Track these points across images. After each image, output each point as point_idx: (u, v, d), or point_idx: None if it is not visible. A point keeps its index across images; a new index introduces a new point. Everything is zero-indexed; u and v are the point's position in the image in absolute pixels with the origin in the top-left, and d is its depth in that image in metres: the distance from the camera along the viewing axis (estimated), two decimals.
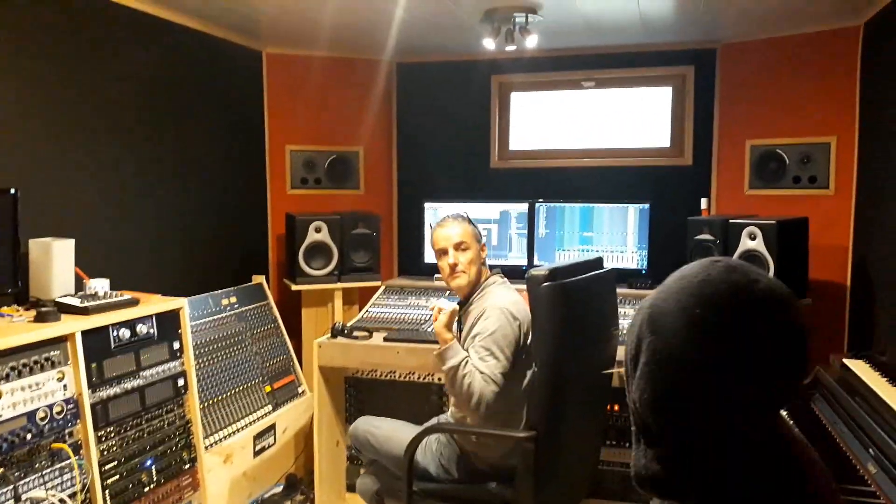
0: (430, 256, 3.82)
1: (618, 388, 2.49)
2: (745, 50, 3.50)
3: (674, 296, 0.88)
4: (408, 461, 2.30)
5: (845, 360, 2.35)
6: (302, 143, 3.91)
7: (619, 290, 2.57)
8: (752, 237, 2.93)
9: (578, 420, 2.25)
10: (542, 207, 3.64)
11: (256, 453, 3.04)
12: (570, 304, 2.11)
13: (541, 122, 3.98)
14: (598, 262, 2.40)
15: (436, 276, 3.70)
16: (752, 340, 0.82)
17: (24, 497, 1.93)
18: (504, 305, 2.28)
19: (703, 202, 3.55)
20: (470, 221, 2.52)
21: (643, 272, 3.49)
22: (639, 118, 3.83)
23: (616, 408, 2.76)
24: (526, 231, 3.67)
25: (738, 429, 0.84)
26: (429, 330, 3.12)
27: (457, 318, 2.42)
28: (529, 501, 2.14)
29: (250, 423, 3.04)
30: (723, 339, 0.82)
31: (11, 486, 1.90)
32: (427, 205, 3.80)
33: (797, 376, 0.85)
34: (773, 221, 2.89)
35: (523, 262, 3.63)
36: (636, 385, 0.89)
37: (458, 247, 2.45)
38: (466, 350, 2.30)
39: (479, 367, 2.23)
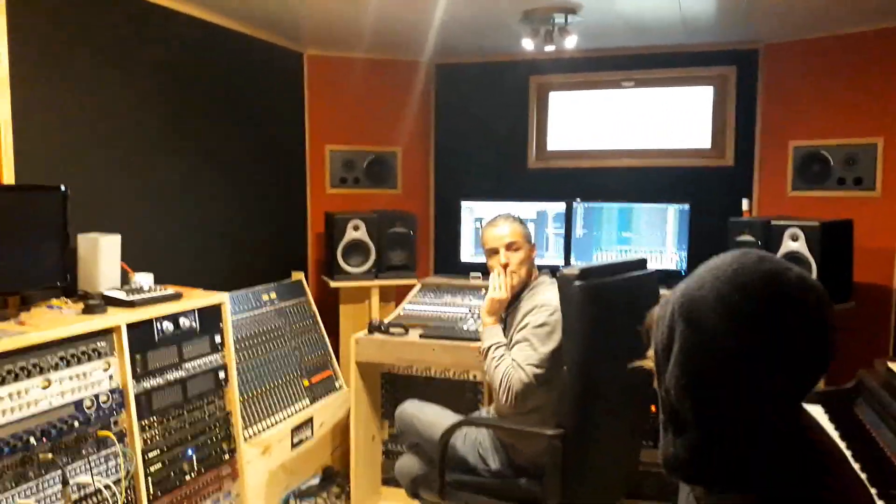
0: (466, 255, 3.82)
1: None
2: (788, 50, 3.42)
3: (708, 284, 0.90)
4: (442, 448, 2.32)
5: (890, 364, 2.28)
6: (341, 143, 3.94)
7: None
8: (795, 239, 2.86)
9: (611, 421, 2.23)
10: (579, 207, 3.61)
11: (294, 446, 3.07)
12: (602, 304, 2.09)
13: (579, 122, 3.94)
14: (640, 263, 2.37)
15: (472, 274, 3.70)
16: (784, 329, 0.85)
17: (71, 482, 1.99)
18: (557, 304, 2.28)
19: (745, 203, 3.48)
20: (521, 222, 2.52)
21: (682, 273, 3.42)
22: (679, 118, 3.77)
23: (654, 409, 2.73)
24: (563, 231, 3.64)
25: (767, 418, 0.86)
26: (465, 328, 3.12)
27: (504, 316, 2.42)
28: (556, 499, 2.13)
29: (288, 416, 3.08)
30: (758, 327, 0.84)
31: (59, 471, 1.96)
32: (464, 204, 3.79)
33: (823, 367, 0.87)
34: (817, 223, 2.83)
35: (560, 262, 3.60)
36: (670, 373, 0.91)
37: (509, 247, 2.45)
38: (512, 347, 2.30)
39: (514, 355, 2.25)
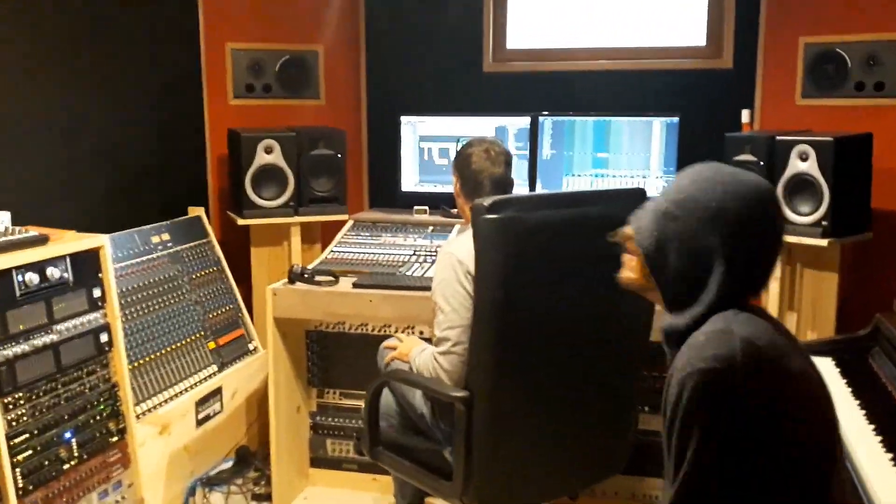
0: (408, 183, 3.81)
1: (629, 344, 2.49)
2: None
3: (695, 192, 1.45)
4: (369, 404, 2.52)
5: None
6: (246, 40, 3.84)
7: None
8: (804, 158, 2.92)
9: (542, 385, 2.28)
10: (546, 122, 3.61)
11: (199, 423, 3.07)
12: (523, 244, 2.15)
13: (546, 14, 3.91)
14: (621, 195, 2.39)
15: (416, 207, 3.69)
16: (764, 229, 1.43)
17: None
18: (450, 249, 2.40)
19: (745, 115, 3.53)
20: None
21: None
22: (668, 10, 3.77)
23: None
24: (527, 152, 3.64)
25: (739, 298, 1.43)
26: (408, 274, 3.13)
27: None
28: (458, 486, 2.25)
29: (191, 387, 3.06)
30: (744, 227, 1.40)
31: None
32: (405, 119, 3.75)
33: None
34: (830, 138, 2.88)
35: (523, 190, 3.62)
36: (674, 260, 1.43)
37: None
38: None
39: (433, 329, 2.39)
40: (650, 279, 1.47)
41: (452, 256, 2.35)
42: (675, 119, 3.47)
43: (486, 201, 2.12)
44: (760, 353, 1.33)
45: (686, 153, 3.46)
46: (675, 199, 1.44)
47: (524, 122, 3.65)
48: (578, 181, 3.61)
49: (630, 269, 1.52)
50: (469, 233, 2.20)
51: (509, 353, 2.20)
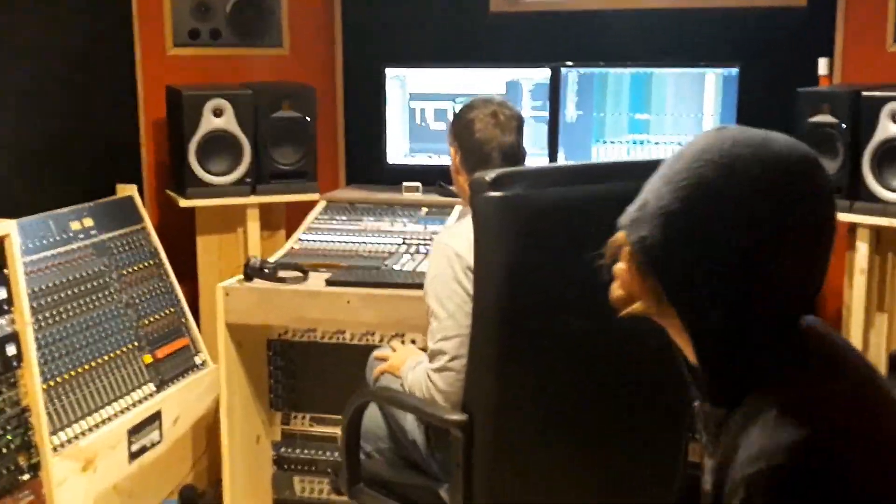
0: (395, 154, 3.80)
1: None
2: None
3: (709, 175, 1.28)
4: (347, 430, 2.52)
5: None
6: None
7: None
8: None
9: (565, 414, 2.27)
10: (570, 75, 3.60)
11: (133, 456, 3.06)
12: (536, 230, 2.15)
13: None
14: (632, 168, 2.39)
15: (406, 184, 3.69)
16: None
17: None
18: (445, 238, 2.41)
19: (822, 65, 3.53)
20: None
21: None
22: None
23: None
24: (546, 114, 3.63)
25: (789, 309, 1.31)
26: (396, 268, 3.13)
27: None
28: None
29: (122, 412, 3.06)
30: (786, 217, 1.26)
31: None
32: (391, 72, 3.74)
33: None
34: None
35: (541, 160, 3.61)
36: (699, 278, 1.28)
37: None
38: None
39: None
40: (661, 301, 1.33)
41: (448, 248, 2.35)
42: (735, 70, 3.46)
43: (489, 175, 2.11)
44: (851, 428, 1.21)
45: (748, 113, 3.45)
46: (679, 189, 1.28)
47: (542, 75, 3.63)
48: (611, 150, 3.60)
49: (623, 285, 1.41)
50: (470, 217, 2.20)
51: (517, 368, 2.19)
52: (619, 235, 1.40)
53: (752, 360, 1.28)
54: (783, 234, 1.24)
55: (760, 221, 1.23)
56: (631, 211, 1.37)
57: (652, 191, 1.33)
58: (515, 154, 2.54)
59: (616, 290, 1.43)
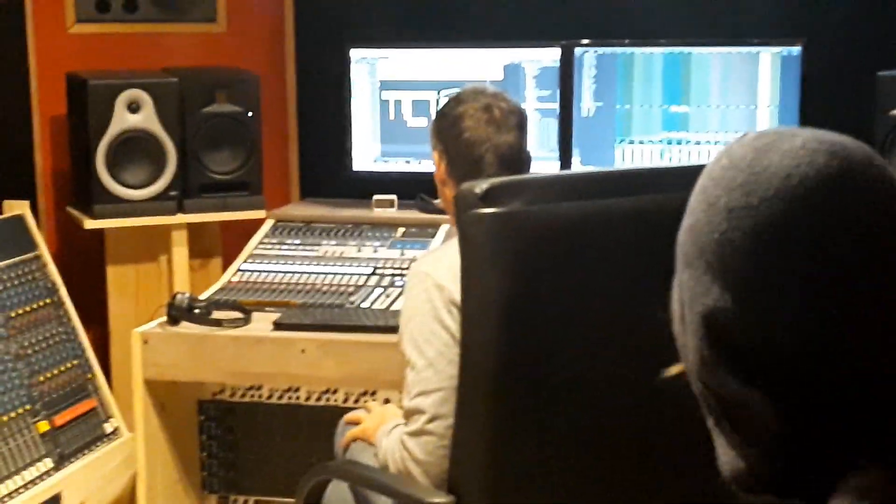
0: (363, 159, 3.80)
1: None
2: None
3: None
4: None
5: None
6: None
7: None
8: None
9: (580, 496, 2.25)
10: (587, 56, 3.61)
11: None
12: (539, 255, 2.13)
13: None
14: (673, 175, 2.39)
15: (376, 197, 3.69)
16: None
17: None
18: (424, 266, 2.40)
19: None
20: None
21: None
22: None
23: None
24: (556, 106, 3.64)
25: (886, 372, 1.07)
26: (365, 306, 3.12)
27: None
28: None
29: (10, 496, 3.03)
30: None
31: None
32: (357, 54, 3.75)
33: None
34: None
35: (550, 165, 3.62)
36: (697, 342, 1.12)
37: None
38: None
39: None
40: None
41: (428, 278, 2.34)
42: (796, 49, 3.47)
43: (479, 186, 2.10)
44: None
45: (814, 102, 3.47)
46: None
47: (551, 56, 3.64)
48: (640, 152, 3.61)
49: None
50: (457, 240, 2.21)
51: (518, 435, 2.17)
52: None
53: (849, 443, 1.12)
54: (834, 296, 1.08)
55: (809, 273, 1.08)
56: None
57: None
58: (516, 158, 2.54)
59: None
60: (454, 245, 2.22)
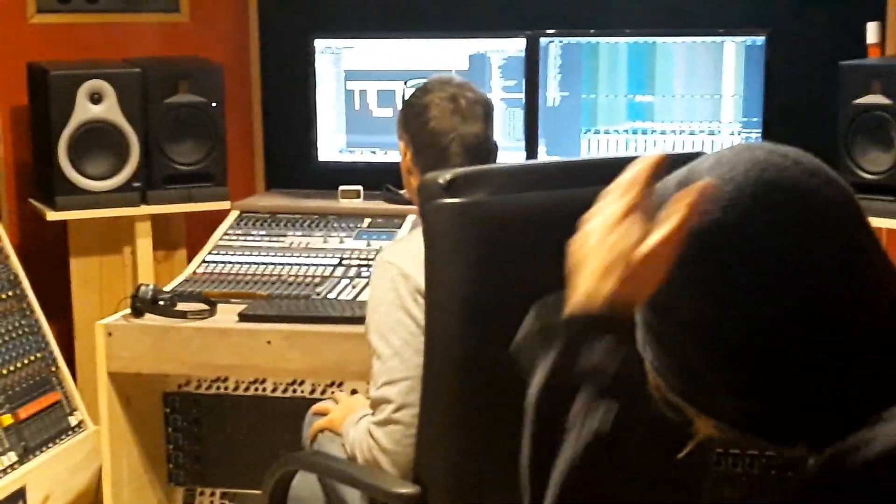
0: (328, 149, 3.79)
1: None
2: None
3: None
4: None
5: None
6: None
7: None
8: None
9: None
10: (552, 46, 3.61)
11: None
12: (503, 246, 2.14)
13: None
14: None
15: (342, 188, 3.69)
16: None
17: None
18: (389, 256, 2.42)
19: (871, 31, 3.55)
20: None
21: None
22: None
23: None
24: (521, 96, 3.65)
25: None
26: (331, 297, 3.12)
27: None
28: None
29: None
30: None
31: None
32: (321, 44, 3.74)
33: None
34: None
35: (516, 155, 3.63)
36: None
37: None
38: None
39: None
40: None
41: (392, 267, 2.36)
42: (761, 39, 3.48)
43: (442, 176, 2.10)
44: None
45: (778, 93, 3.48)
46: None
47: (516, 46, 3.64)
48: (605, 141, 3.61)
49: None
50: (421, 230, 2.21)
51: (482, 425, 2.17)
52: None
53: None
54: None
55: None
56: None
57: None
58: (482, 148, 2.55)
59: None
60: (419, 235, 2.22)
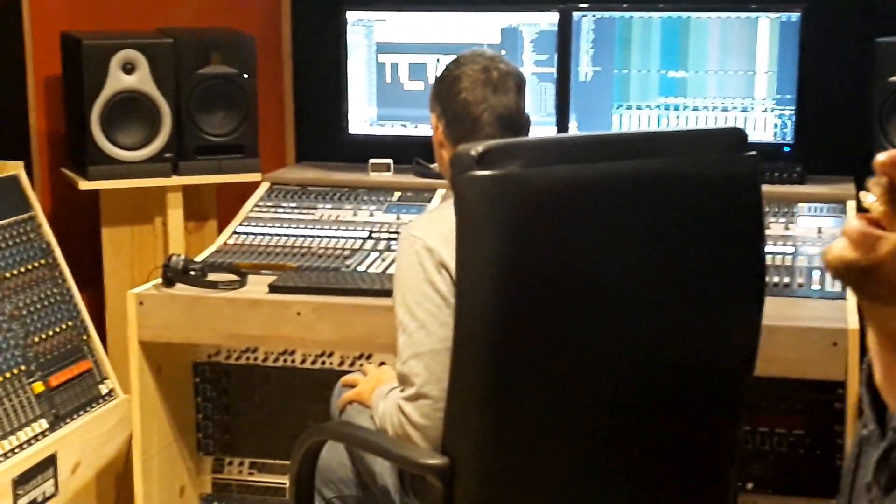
0: (358, 122, 3.79)
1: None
2: None
3: None
4: (296, 491, 2.50)
5: None
6: None
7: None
8: None
9: (574, 459, 2.26)
10: (584, 21, 3.59)
11: None
12: (536, 219, 2.12)
13: None
14: (705, 140, 2.40)
15: (373, 161, 3.69)
16: None
17: None
18: (415, 230, 2.42)
19: None
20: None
21: (786, 150, 3.50)
22: None
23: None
24: (553, 70, 3.64)
25: None
26: (361, 269, 3.13)
27: None
28: None
29: (5, 455, 3.02)
30: None
31: None
32: (353, 16, 3.73)
33: None
34: None
35: (547, 130, 3.61)
36: None
37: None
38: None
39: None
40: None
41: (417, 241, 2.36)
42: (795, 15, 3.45)
43: (475, 148, 2.08)
44: None
45: (812, 70, 3.46)
46: None
47: (548, 20, 3.63)
48: (637, 117, 3.60)
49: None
50: (451, 203, 2.21)
51: (511, 399, 2.17)
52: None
53: None
54: None
55: None
56: None
57: None
58: (514, 120, 2.55)
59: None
60: (446, 208, 2.23)
